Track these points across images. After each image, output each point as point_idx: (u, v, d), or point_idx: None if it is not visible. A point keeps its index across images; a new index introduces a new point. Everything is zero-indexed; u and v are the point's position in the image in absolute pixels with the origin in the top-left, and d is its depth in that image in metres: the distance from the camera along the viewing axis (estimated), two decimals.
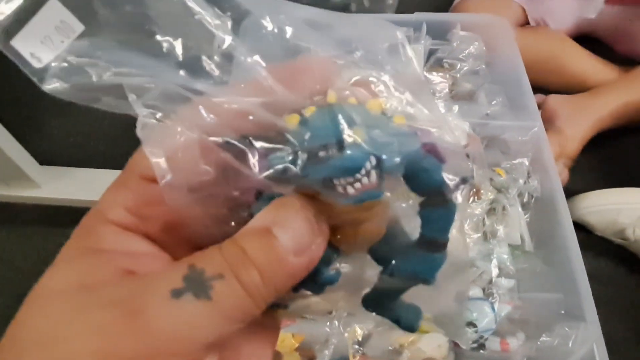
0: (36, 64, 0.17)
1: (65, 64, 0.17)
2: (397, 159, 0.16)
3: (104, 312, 0.15)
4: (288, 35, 0.18)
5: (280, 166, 0.16)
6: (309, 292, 0.18)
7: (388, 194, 0.18)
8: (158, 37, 0.17)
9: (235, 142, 0.16)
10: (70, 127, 1.21)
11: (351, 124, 0.16)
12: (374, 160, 0.16)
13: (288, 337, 0.57)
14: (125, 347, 0.14)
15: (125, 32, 0.17)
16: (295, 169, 0.16)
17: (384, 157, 0.16)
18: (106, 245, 0.17)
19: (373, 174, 0.16)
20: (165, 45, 0.17)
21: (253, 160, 0.16)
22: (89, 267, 0.16)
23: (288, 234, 0.16)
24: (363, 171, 0.16)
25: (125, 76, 0.17)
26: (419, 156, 0.17)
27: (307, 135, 0.16)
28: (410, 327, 0.20)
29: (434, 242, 0.18)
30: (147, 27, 0.17)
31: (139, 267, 0.17)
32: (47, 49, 0.17)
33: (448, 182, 0.17)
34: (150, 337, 0.14)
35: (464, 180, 0.18)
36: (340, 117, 0.16)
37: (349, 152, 0.15)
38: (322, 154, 0.16)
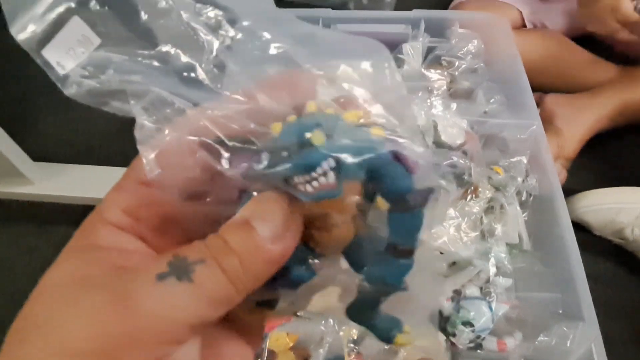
0: (61, 71, 0.20)
1: (83, 72, 0.20)
2: (355, 161, 0.17)
3: (95, 298, 0.16)
4: (277, 51, 0.20)
5: (244, 164, 0.18)
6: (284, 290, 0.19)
7: (357, 197, 0.19)
8: (160, 49, 0.20)
9: (211, 142, 0.18)
10: (63, 124, 1.20)
11: (313, 128, 0.17)
12: (332, 162, 0.17)
13: (282, 336, 0.56)
14: (115, 328, 0.16)
15: (132, 44, 0.20)
16: (259, 167, 0.17)
17: (342, 158, 0.17)
18: (102, 243, 0.18)
19: (331, 174, 0.17)
20: (165, 55, 0.20)
21: (225, 158, 0.18)
22: (86, 262, 0.18)
23: (265, 224, 0.17)
24: (320, 170, 0.17)
25: (128, 83, 0.19)
26: (384, 162, 0.18)
27: (277, 139, 0.18)
28: (386, 338, 0.21)
29: (399, 248, 0.19)
30: (151, 40, 0.20)
31: (131, 263, 0.18)
32: (70, 59, 0.20)
33: (414, 190, 0.18)
34: (137, 318, 0.16)
35: (430, 191, 0.19)
36: (308, 123, 0.18)
37: (305, 151, 0.17)
38: (284, 154, 0.17)
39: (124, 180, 0.20)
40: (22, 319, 0.17)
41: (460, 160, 0.62)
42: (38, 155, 1.01)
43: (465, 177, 0.62)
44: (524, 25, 1.15)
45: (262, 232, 0.17)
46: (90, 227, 0.19)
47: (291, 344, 0.57)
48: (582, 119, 1.00)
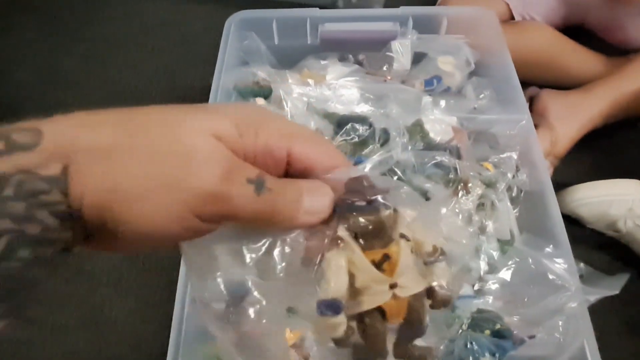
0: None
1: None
2: None
3: (219, 156, 0.23)
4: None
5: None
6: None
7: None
8: None
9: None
10: None
11: None
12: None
13: (286, 332, 0.56)
14: (213, 184, 0.23)
15: None
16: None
17: None
18: (246, 140, 0.25)
19: None
20: None
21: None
22: (230, 133, 0.24)
23: (310, 202, 0.26)
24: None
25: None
26: None
27: None
28: None
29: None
30: None
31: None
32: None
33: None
34: (226, 188, 0.23)
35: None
36: None
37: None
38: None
39: None
40: (144, 115, 0.24)
41: (445, 159, 0.62)
42: None
43: (452, 175, 0.61)
44: (512, 18, 1.15)
45: (305, 204, 0.25)
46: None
47: (293, 342, 0.56)
48: (574, 118, 1.00)
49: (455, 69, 0.82)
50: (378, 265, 0.26)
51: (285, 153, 0.26)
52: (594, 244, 0.93)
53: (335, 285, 0.26)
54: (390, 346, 0.29)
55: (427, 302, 0.28)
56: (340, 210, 0.27)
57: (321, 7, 0.90)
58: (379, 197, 0.27)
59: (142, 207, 0.22)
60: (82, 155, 0.22)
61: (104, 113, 0.25)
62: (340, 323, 0.27)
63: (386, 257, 0.26)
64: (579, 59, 1.11)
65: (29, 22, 1.47)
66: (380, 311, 0.27)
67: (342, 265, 0.26)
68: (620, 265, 0.92)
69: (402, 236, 0.27)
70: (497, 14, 0.95)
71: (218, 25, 0.90)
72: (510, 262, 0.62)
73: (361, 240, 0.27)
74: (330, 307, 0.26)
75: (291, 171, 0.27)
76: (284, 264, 0.26)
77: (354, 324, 0.27)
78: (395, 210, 0.27)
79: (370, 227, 0.26)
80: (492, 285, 0.60)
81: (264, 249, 0.27)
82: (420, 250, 0.28)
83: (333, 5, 1.34)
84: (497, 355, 0.50)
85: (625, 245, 0.91)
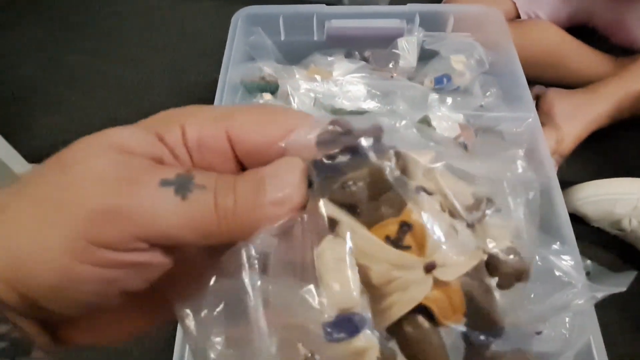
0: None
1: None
2: None
3: (117, 168, 0.18)
4: None
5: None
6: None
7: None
8: None
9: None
10: (58, 126, 1.20)
11: None
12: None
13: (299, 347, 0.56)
14: (105, 198, 0.17)
15: None
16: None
17: None
18: (170, 139, 0.20)
19: None
20: None
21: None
22: (143, 139, 0.19)
23: (277, 188, 0.18)
24: None
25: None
26: None
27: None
28: None
29: None
30: None
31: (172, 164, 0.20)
32: None
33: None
34: (125, 201, 0.17)
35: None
36: None
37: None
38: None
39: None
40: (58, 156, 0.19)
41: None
42: (32, 157, 1.01)
43: None
44: (518, 16, 1.15)
45: (270, 193, 0.18)
46: (165, 124, 0.20)
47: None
48: (581, 117, 1.00)
49: (466, 69, 0.82)
50: (397, 241, 0.18)
51: (226, 139, 0.20)
52: (598, 242, 0.93)
53: (341, 290, 0.17)
54: None
55: (492, 281, 0.19)
56: (319, 180, 0.18)
57: (328, 4, 0.90)
58: (366, 140, 0.18)
59: (36, 255, 0.17)
60: None
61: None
62: (367, 347, 0.17)
63: (405, 226, 0.18)
64: (584, 58, 1.11)
65: (34, 18, 1.48)
66: (423, 311, 0.18)
67: (343, 257, 0.17)
68: (624, 264, 0.92)
69: (421, 189, 0.18)
70: (503, 12, 0.95)
71: (224, 21, 0.90)
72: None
73: (359, 212, 0.18)
74: (342, 325, 0.17)
75: (248, 161, 0.21)
76: (258, 284, 0.18)
77: (390, 342, 0.18)
78: (398, 154, 0.19)
79: (367, 187, 0.18)
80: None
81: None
82: (455, 204, 0.19)
83: (339, 2, 1.34)
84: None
85: (629, 243, 0.91)
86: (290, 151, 0.20)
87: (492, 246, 0.19)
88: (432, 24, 0.90)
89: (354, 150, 0.18)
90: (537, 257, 0.64)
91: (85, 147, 0.19)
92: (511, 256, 0.19)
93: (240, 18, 0.89)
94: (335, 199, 0.18)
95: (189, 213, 0.18)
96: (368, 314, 0.18)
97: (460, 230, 0.19)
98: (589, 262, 0.61)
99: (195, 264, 0.21)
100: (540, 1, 1.14)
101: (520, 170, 0.21)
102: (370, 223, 0.18)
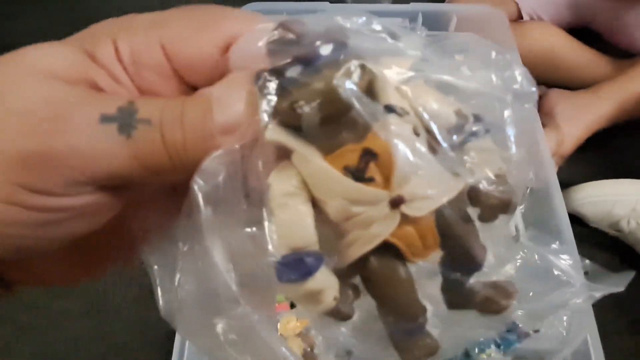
0: None
1: None
2: None
3: (47, 101, 0.15)
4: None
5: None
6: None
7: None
8: None
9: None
10: None
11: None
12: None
13: (293, 320, 0.57)
14: (36, 138, 0.15)
15: None
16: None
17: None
18: (103, 56, 0.17)
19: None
20: None
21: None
22: (72, 61, 0.16)
23: (225, 111, 0.16)
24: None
25: None
26: None
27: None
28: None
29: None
30: None
31: (109, 88, 0.17)
32: None
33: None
34: (60, 142, 0.15)
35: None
36: None
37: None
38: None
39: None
40: None
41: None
42: None
43: None
44: (521, 17, 1.15)
45: (218, 118, 0.16)
46: (101, 39, 0.17)
47: (300, 330, 0.57)
48: (581, 118, 1.00)
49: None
50: (357, 172, 0.15)
51: (161, 52, 0.17)
52: (597, 242, 0.93)
53: (292, 228, 0.15)
54: (436, 292, 0.17)
55: (474, 211, 0.17)
56: (265, 100, 0.15)
57: (331, 2, 0.91)
58: (324, 47, 0.15)
59: None
60: None
61: None
62: (322, 288, 0.16)
63: (368, 155, 0.15)
64: (585, 60, 1.12)
65: (36, 11, 1.48)
66: (390, 248, 0.16)
67: (294, 192, 0.15)
68: (622, 265, 0.93)
69: (391, 109, 0.15)
70: (505, 13, 0.96)
71: None
72: (515, 257, 0.63)
73: (315, 138, 0.15)
74: (293, 266, 0.15)
75: (190, 77, 0.18)
76: (210, 222, 0.16)
77: (354, 279, 0.17)
78: (363, 65, 0.15)
79: (322, 107, 0.15)
80: (498, 279, 0.61)
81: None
82: (432, 126, 0.16)
83: (342, 0, 1.34)
84: (502, 347, 0.51)
85: (627, 244, 0.92)
86: (237, 63, 0.16)
87: (474, 175, 0.17)
88: (434, 23, 0.90)
89: (308, 61, 0.15)
90: (535, 255, 0.64)
91: (6, 75, 0.16)
92: (496, 186, 0.17)
93: None
94: (285, 122, 0.15)
95: (136, 152, 0.16)
96: (323, 253, 0.16)
97: (438, 156, 0.16)
98: (587, 261, 0.61)
99: (158, 197, 0.19)
100: (543, 3, 1.15)
101: (518, 78, 0.18)
102: (328, 150, 0.15)
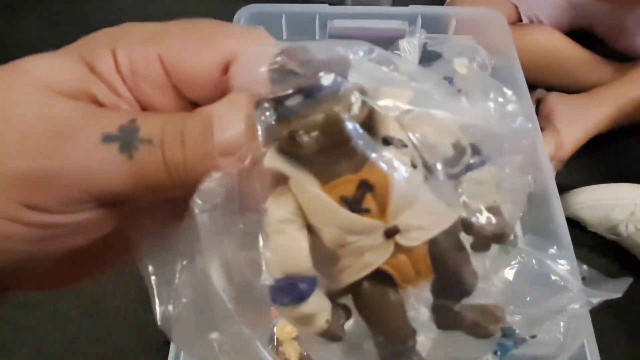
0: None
1: None
2: None
3: (47, 119, 0.15)
4: None
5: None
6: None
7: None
8: None
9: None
10: None
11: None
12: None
13: (289, 324, 0.57)
14: (36, 156, 0.15)
15: None
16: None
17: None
18: (102, 68, 0.17)
19: None
20: None
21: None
22: (72, 74, 0.16)
23: (224, 132, 0.16)
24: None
25: None
26: None
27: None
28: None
29: None
30: None
31: (109, 101, 0.17)
32: None
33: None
34: (61, 161, 0.15)
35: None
36: None
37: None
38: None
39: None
40: None
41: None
42: None
43: None
44: (520, 20, 1.15)
45: (218, 138, 0.16)
46: (100, 48, 0.17)
47: (296, 334, 0.57)
48: (581, 122, 1.00)
49: (469, 72, 0.82)
50: (353, 203, 0.15)
51: (159, 65, 0.17)
52: (595, 247, 0.93)
53: (286, 253, 0.16)
54: (424, 312, 0.18)
55: (467, 238, 0.17)
56: (265, 126, 0.15)
57: (330, 4, 0.90)
58: (325, 77, 0.15)
59: None
60: None
61: None
62: (315, 312, 0.16)
63: (365, 186, 0.15)
64: (584, 63, 1.11)
65: (37, 11, 1.48)
66: (383, 274, 0.16)
67: (289, 219, 0.16)
68: (621, 269, 0.93)
69: (388, 141, 0.16)
70: (505, 15, 0.96)
71: (227, 19, 0.89)
72: (513, 262, 0.62)
73: (313, 166, 0.16)
74: (286, 290, 0.16)
75: (189, 93, 0.18)
76: (208, 240, 0.16)
77: (346, 299, 0.17)
78: (364, 95, 0.15)
79: (321, 137, 0.15)
80: (495, 284, 0.61)
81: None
82: (428, 160, 0.16)
83: (342, 2, 1.34)
84: (498, 353, 0.51)
85: (625, 249, 0.92)
86: (238, 83, 0.16)
87: (469, 207, 0.17)
88: (434, 26, 0.90)
89: (309, 92, 0.15)
90: (533, 260, 0.64)
91: (6, 88, 0.16)
92: (490, 219, 0.17)
93: (242, 17, 0.90)
94: (283, 149, 0.16)
95: (137, 171, 0.16)
96: (316, 278, 0.16)
97: (434, 187, 0.17)
98: (585, 267, 0.61)
99: (156, 206, 0.19)
100: (542, 6, 1.15)
101: (517, 116, 0.19)
102: (325, 179, 0.16)
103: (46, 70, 0.16)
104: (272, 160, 0.16)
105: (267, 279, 0.16)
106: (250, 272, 0.16)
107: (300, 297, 0.16)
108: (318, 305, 0.17)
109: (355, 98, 0.15)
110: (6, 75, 0.16)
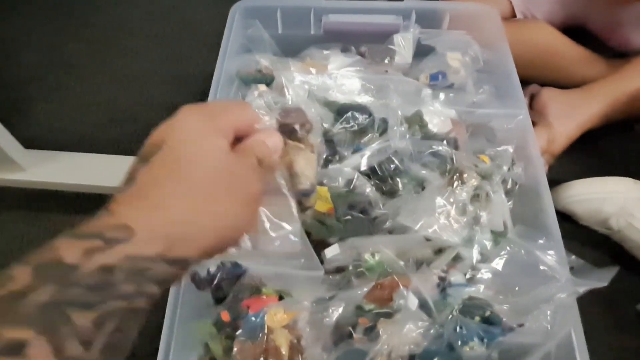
0: None
1: None
2: None
3: (250, 165, 0.36)
4: None
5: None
6: None
7: None
8: None
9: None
10: (55, 112, 1.20)
11: None
12: None
13: (280, 312, 0.58)
14: (238, 224, 0.34)
15: None
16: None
17: None
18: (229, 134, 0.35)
19: None
20: None
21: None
22: (226, 131, 0.34)
23: (269, 143, 0.37)
24: None
25: None
26: None
27: None
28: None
29: None
30: None
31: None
32: None
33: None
34: (248, 229, 0.35)
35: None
36: None
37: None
38: None
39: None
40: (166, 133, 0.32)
41: (441, 148, 0.63)
42: (29, 142, 1.02)
43: (448, 165, 0.62)
44: (514, 16, 1.16)
45: (270, 145, 0.36)
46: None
47: (287, 322, 0.58)
48: (573, 117, 1.01)
49: (461, 66, 0.83)
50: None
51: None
52: (587, 241, 0.94)
53: (310, 176, 0.40)
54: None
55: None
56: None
57: None
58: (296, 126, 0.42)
59: (191, 236, 0.30)
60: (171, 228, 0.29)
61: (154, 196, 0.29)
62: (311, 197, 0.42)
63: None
64: (578, 59, 1.12)
65: (35, 6, 1.48)
66: None
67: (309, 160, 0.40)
68: (611, 262, 0.94)
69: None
70: (499, 11, 0.96)
71: (223, 13, 0.90)
72: (502, 253, 0.63)
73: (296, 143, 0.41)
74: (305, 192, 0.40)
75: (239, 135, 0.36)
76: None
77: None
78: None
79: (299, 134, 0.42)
80: (484, 274, 0.62)
81: None
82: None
83: None
84: (485, 340, 0.51)
85: (616, 242, 0.93)
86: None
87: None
88: (428, 20, 0.91)
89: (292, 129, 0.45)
90: (522, 251, 0.64)
91: (197, 141, 0.32)
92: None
93: (238, 10, 0.90)
94: (292, 139, 0.44)
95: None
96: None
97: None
98: (573, 257, 0.62)
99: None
100: (537, 1, 1.15)
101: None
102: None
103: (220, 137, 0.34)
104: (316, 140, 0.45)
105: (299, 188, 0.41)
106: None
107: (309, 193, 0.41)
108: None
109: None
110: (199, 126, 0.33)
